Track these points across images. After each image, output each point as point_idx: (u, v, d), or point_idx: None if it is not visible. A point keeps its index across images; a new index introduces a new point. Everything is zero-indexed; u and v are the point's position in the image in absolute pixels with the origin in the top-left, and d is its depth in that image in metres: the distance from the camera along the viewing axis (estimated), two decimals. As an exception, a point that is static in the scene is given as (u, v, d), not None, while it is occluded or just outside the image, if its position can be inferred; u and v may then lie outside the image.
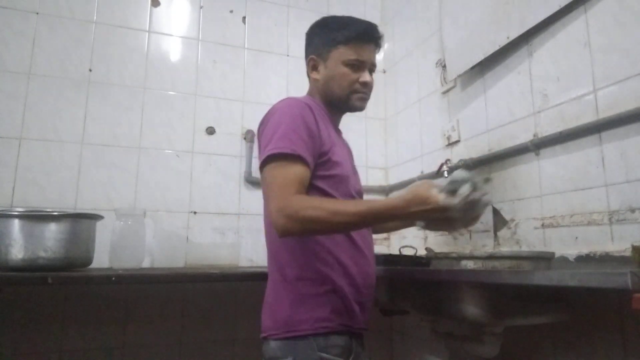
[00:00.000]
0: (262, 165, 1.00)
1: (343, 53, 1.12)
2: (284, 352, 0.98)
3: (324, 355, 0.97)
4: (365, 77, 1.13)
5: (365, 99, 1.16)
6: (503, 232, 1.41)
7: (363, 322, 1.07)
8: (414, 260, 1.41)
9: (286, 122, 1.01)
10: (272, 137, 0.99)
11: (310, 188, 1.02)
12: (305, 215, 0.91)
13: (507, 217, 1.41)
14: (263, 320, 1.07)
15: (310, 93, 1.22)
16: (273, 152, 0.97)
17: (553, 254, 1.05)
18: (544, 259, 1.02)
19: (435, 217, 0.95)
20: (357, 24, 1.14)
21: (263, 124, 1.08)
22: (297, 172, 0.96)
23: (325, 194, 1.04)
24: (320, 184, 1.04)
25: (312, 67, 1.18)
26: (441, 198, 0.91)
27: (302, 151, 0.97)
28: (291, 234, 0.94)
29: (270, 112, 1.08)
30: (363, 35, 1.13)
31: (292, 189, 0.94)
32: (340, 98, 1.14)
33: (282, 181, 0.95)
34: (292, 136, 0.98)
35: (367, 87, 1.15)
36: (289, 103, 1.07)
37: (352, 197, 1.12)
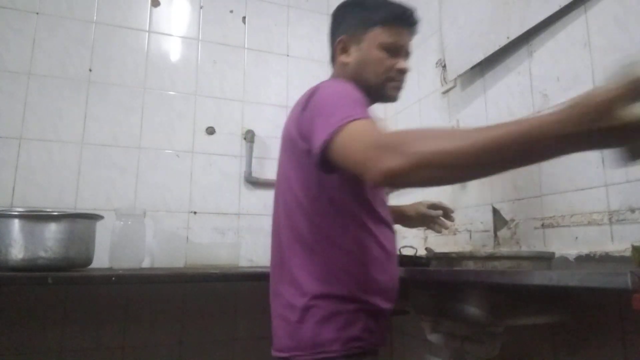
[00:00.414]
0: (328, 140, 0.76)
1: (380, 35, 0.99)
2: None
3: None
4: (402, 63, 1.01)
5: (400, 89, 1.04)
6: (503, 232, 1.41)
7: (385, 338, 0.99)
8: (414, 260, 1.41)
9: (345, 94, 0.85)
10: (334, 110, 0.80)
11: (343, 193, 0.91)
12: (416, 147, 0.64)
13: (507, 217, 1.41)
14: (280, 337, 0.93)
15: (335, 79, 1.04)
16: (345, 120, 0.75)
17: (553, 254, 1.05)
18: (544, 259, 1.02)
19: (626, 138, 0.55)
20: (395, 5, 1.02)
21: (307, 105, 0.88)
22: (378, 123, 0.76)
23: (360, 200, 0.93)
24: (355, 188, 0.92)
25: (341, 49, 1.03)
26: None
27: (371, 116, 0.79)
28: (397, 175, 0.65)
29: (316, 92, 0.89)
30: (402, 17, 1.01)
31: (381, 130, 0.73)
32: (374, 85, 1.00)
33: (365, 128, 0.74)
34: (357, 107, 0.80)
35: (404, 75, 1.03)
36: (336, 80, 0.95)
37: (385, 204, 1.02)
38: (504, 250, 1.37)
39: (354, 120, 0.75)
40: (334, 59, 1.07)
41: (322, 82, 0.94)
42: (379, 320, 0.93)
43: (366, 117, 0.77)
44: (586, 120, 0.54)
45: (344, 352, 0.86)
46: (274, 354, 0.94)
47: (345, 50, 1.03)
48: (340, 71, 1.04)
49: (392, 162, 0.64)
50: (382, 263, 0.94)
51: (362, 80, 0.99)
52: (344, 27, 1.03)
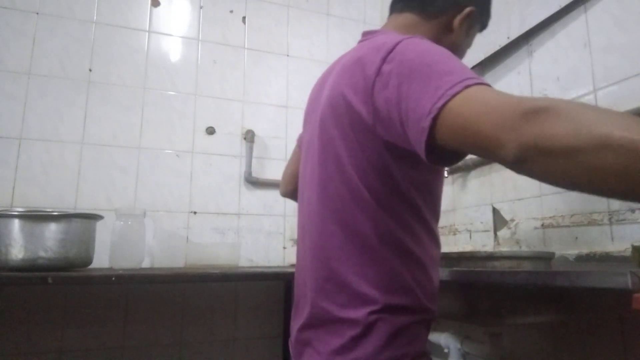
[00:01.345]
0: (443, 104, 0.55)
1: (473, 36, 0.93)
2: None
3: None
4: None
5: None
6: (503, 232, 1.41)
7: None
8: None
9: (448, 54, 0.65)
10: (442, 72, 0.58)
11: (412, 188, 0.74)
12: (592, 120, 0.44)
13: (507, 217, 1.41)
14: (321, 352, 0.75)
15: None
16: (472, 82, 0.55)
17: (553, 254, 1.05)
18: (544, 259, 1.02)
19: None
20: None
21: (383, 67, 0.66)
22: None
23: (424, 192, 0.76)
24: (423, 176, 0.75)
25: (463, 18, 0.85)
26: None
27: None
28: (550, 149, 0.45)
29: (396, 49, 0.67)
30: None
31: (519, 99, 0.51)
32: None
33: (496, 93, 0.53)
34: (469, 70, 0.60)
35: None
36: (424, 39, 0.71)
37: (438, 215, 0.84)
38: (504, 250, 1.37)
39: (475, 84, 0.55)
40: (442, 7, 0.85)
41: (402, 38, 0.69)
42: (429, 328, 0.81)
43: (487, 83, 0.57)
44: None
45: None
46: None
47: (462, 24, 0.86)
48: (437, 34, 0.85)
49: (549, 128, 0.44)
50: (437, 263, 0.83)
51: None
52: (479, 5, 0.89)
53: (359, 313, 0.72)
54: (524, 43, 1.37)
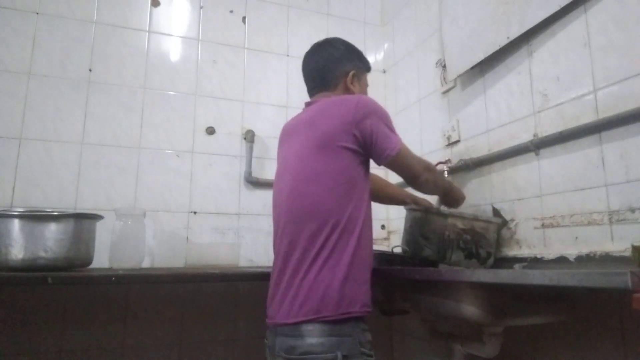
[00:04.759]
0: (395, 152, 1.15)
1: (367, 79, 1.39)
2: (328, 347, 1.00)
3: (365, 350, 1.04)
4: None
5: None
6: (503, 232, 1.41)
7: None
8: (413, 260, 1.41)
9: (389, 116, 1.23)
10: (392, 130, 1.19)
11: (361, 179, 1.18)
12: (436, 173, 1.33)
13: (507, 217, 1.41)
14: (299, 305, 1.04)
15: None
16: (401, 141, 1.19)
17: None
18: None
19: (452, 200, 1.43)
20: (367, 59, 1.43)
21: (356, 114, 1.14)
22: None
23: (367, 186, 1.21)
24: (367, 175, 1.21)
25: (352, 78, 1.31)
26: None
27: None
28: (429, 182, 1.27)
29: (361, 103, 1.16)
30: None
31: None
32: None
33: (412, 152, 1.24)
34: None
35: None
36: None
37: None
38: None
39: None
40: (336, 80, 1.30)
41: (359, 96, 1.23)
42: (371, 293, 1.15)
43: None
44: (450, 191, 1.43)
45: (361, 314, 1.06)
46: (287, 320, 1.05)
47: (352, 82, 1.31)
48: (344, 94, 1.29)
49: (430, 176, 1.27)
50: (371, 242, 1.19)
51: None
52: (353, 63, 1.33)
53: (316, 261, 1.09)
54: (524, 43, 1.38)
